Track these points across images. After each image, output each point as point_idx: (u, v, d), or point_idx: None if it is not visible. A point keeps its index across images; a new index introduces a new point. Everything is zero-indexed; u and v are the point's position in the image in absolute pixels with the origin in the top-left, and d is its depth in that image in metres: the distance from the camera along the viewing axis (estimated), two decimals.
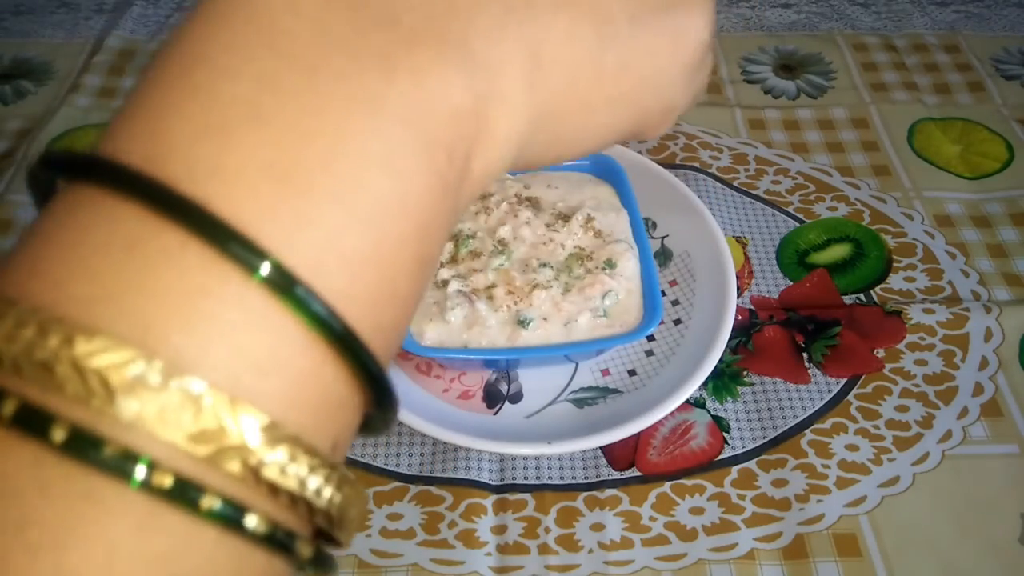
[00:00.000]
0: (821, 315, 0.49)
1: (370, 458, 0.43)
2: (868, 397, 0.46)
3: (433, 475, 0.42)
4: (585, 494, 0.42)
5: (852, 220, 0.55)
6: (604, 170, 0.49)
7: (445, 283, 0.42)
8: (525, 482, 0.42)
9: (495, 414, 0.43)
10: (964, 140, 0.60)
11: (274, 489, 0.14)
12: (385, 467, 0.42)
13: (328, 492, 0.14)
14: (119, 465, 0.12)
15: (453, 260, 0.43)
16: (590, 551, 0.40)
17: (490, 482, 0.42)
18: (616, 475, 0.42)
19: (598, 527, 0.41)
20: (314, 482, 0.14)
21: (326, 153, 0.14)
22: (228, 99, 0.14)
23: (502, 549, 0.40)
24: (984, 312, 0.49)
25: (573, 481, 0.42)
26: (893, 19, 0.71)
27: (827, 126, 0.61)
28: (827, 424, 0.44)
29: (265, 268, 0.13)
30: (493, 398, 0.44)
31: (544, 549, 0.40)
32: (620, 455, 0.43)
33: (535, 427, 0.42)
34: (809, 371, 0.47)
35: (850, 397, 0.46)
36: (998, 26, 0.70)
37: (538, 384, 0.45)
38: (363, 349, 0.15)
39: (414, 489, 0.42)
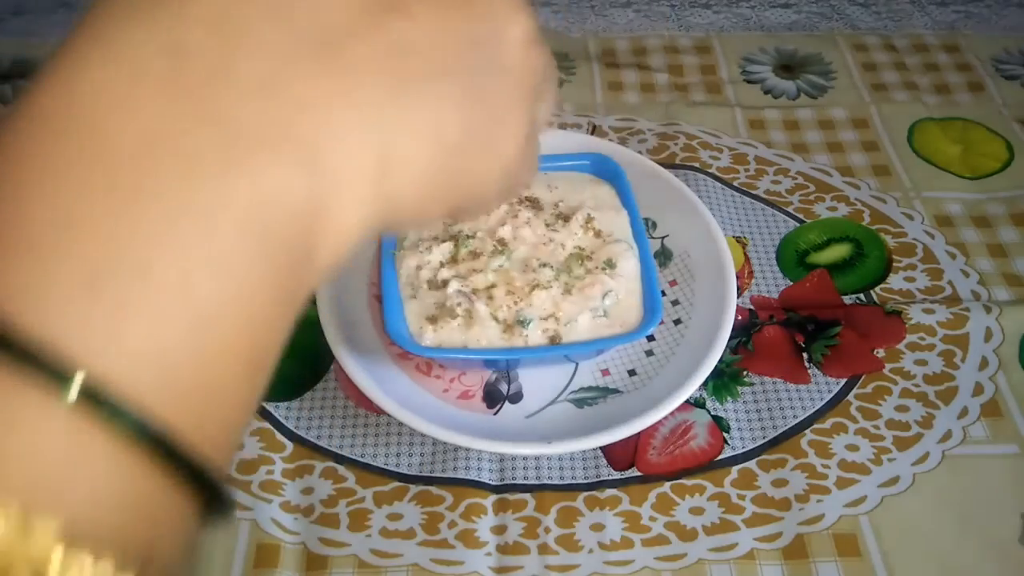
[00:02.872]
0: (821, 315, 0.49)
1: (370, 458, 0.43)
2: (868, 397, 0.46)
3: (433, 475, 0.42)
4: (585, 494, 0.42)
5: (852, 220, 0.55)
6: (604, 170, 0.49)
7: (445, 283, 0.42)
8: (525, 482, 0.42)
9: (495, 414, 0.43)
10: (964, 140, 0.60)
11: None
12: (385, 467, 0.42)
13: None
14: None
15: (453, 260, 0.43)
16: (590, 551, 0.40)
17: (490, 482, 0.42)
18: (616, 475, 0.42)
19: (598, 527, 0.41)
20: None
21: (142, 261, 0.14)
22: (42, 210, 0.14)
23: (502, 549, 0.40)
24: (984, 312, 0.49)
25: (573, 481, 0.42)
26: (893, 19, 0.71)
27: (827, 126, 0.61)
28: (827, 424, 0.44)
29: (68, 381, 0.13)
30: (493, 398, 0.44)
31: (544, 549, 0.40)
32: (620, 455, 0.43)
33: (535, 427, 0.42)
34: (809, 371, 0.47)
35: (850, 397, 0.46)
36: (998, 26, 0.70)
37: (538, 384, 0.45)
38: (179, 447, 0.15)
39: (414, 489, 0.42)
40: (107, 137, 0.15)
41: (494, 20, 0.21)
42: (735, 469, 0.43)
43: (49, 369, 0.13)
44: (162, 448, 0.14)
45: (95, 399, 0.14)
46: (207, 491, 0.16)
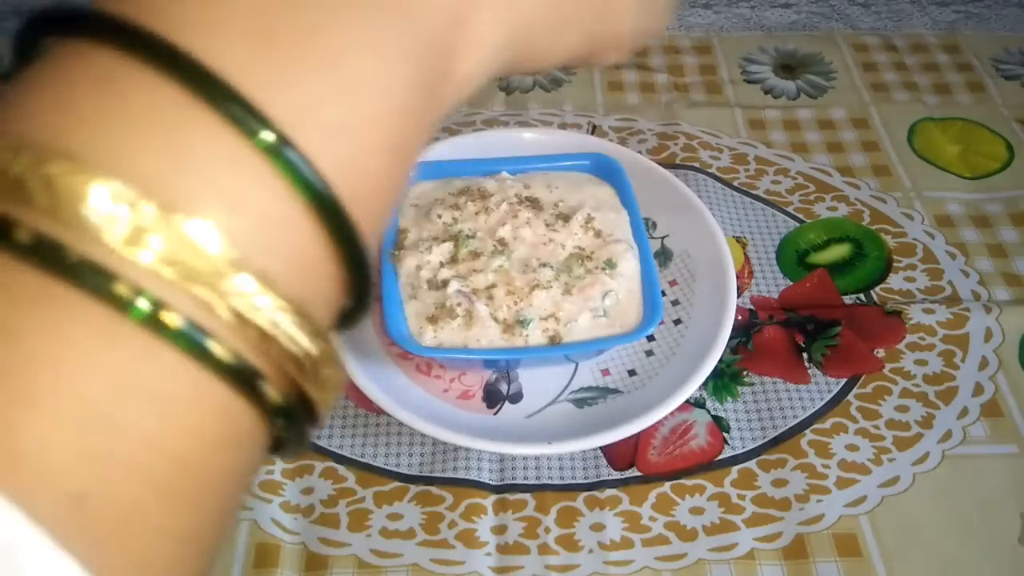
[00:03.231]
0: (821, 315, 0.49)
1: (370, 458, 0.43)
2: (868, 397, 0.46)
3: (433, 475, 0.42)
4: (585, 494, 0.42)
5: (852, 220, 0.55)
6: (604, 170, 0.49)
7: (445, 283, 0.42)
8: (525, 482, 0.42)
9: (495, 414, 0.43)
10: (964, 140, 0.60)
11: (244, 322, 0.14)
12: (385, 467, 0.42)
13: (302, 339, 0.14)
14: (84, 275, 0.12)
15: (453, 260, 0.43)
16: (590, 551, 0.40)
17: (490, 482, 0.42)
18: (616, 475, 0.42)
19: (598, 527, 0.41)
20: (285, 321, 0.14)
21: (307, 24, 0.15)
22: None
23: (502, 549, 0.40)
24: (984, 312, 0.49)
25: (573, 481, 0.42)
26: (893, 19, 0.71)
27: (827, 126, 0.61)
28: (827, 424, 0.44)
29: (244, 116, 0.14)
30: (493, 398, 0.44)
31: (544, 549, 0.40)
32: (620, 455, 0.43)
33: (535, 427, 0.42)
34: (809, 371, 0.47)
35: (850, 397, 0.46)
36: (998, 26, 0.70)
37: (538, 384, 0.45)
38: (341, 210, 0.15)
39: (414, 489, 0.42)
40: None
41: None
42: (735, 469, 0.43)
43: (227, 102, 0.14)
44: (324, 206, 0.15)
45: (272, 150, 0.14)
46: (357, 275, 0.16)
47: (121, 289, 0.13)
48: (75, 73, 0.14)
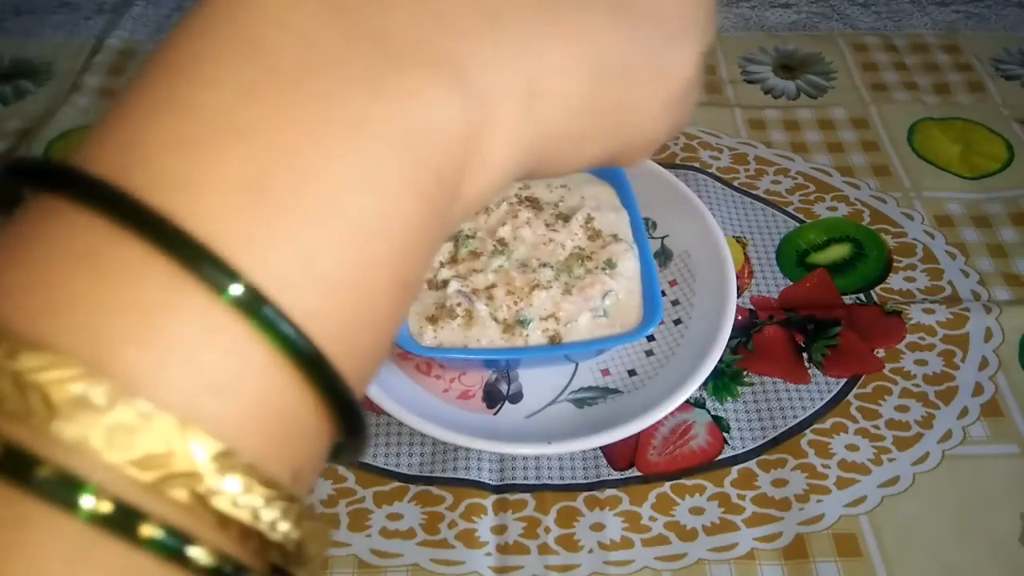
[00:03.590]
0: (821, 315, 0.49)
1: (370, 458, 0.43)
2: (868, 397, 0.46)
3: (433, 475, 0.42)
4: (585, 494, 0.42)
5: (852, 220, 0.55)
6: (604, 170, 0.49)
7: (445, 283, 0.42)
8: (525, 482, 0.42)
9: (495, 414, 0.43)
10: (964, 140, 0.60)
11: (225, 520, 0.13)
12: (385, 467, 0.42)
13: (285, 526, 0.13)
14: (55, 489, 0.12)
15: (453, 260, 0.43)
16: (590, 551, 0.40)
17: (490, 482, 0.42)
18: (616, 475, 0.42)
19: (598, 527, 0.41)
20: (269, 514, 0.13)
21: (304, 170, 0.14)
22: (205, 111, 0.14)
23: (502, 549, 0.40)
24: (984, 312, 0.49)
25: (573, 481, 0.42)
26: (893, 19, 0.71)
27: (827, 126, 0.61)
28: (827, 424, 0.44)
29: (231, 286, 0.13)
30: (493, 398, 0.44)
31: (544, 549, 0.40)
32: (620, 455, 0.43)
33: (535, 427, 0.42)
34: (809, 371, 0.47)
35: (850, 397, 0.46)
36: (998, 26, 0.70)
37: (538, 384, 0.45)
38: (332, 372, 0.14)
39: (414, 489, 0.42)
40: (268, 46, 0.15)
41: None
42: (735, 469, 0.43)
43: (210, 269, 0.13)
44: (314, 369, 0.14)
45: (251, 309, 0.13)
46: (348, 419, 0.15)
47: (99, 505, 0.12)
48: (55, 246, 0.13)
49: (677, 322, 0.47)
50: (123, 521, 0.12)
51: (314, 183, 0.14)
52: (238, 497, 0.13)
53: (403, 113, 0.15)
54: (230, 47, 0.15)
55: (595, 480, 0.42)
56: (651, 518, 0.41)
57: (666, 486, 0.42)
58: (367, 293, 0.15)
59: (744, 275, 0.51)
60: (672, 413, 0.42)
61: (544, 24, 0.17)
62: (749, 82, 0.64)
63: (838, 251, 0.53)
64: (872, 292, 0.51)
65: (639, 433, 0.42)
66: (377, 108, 0.15)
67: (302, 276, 0.14)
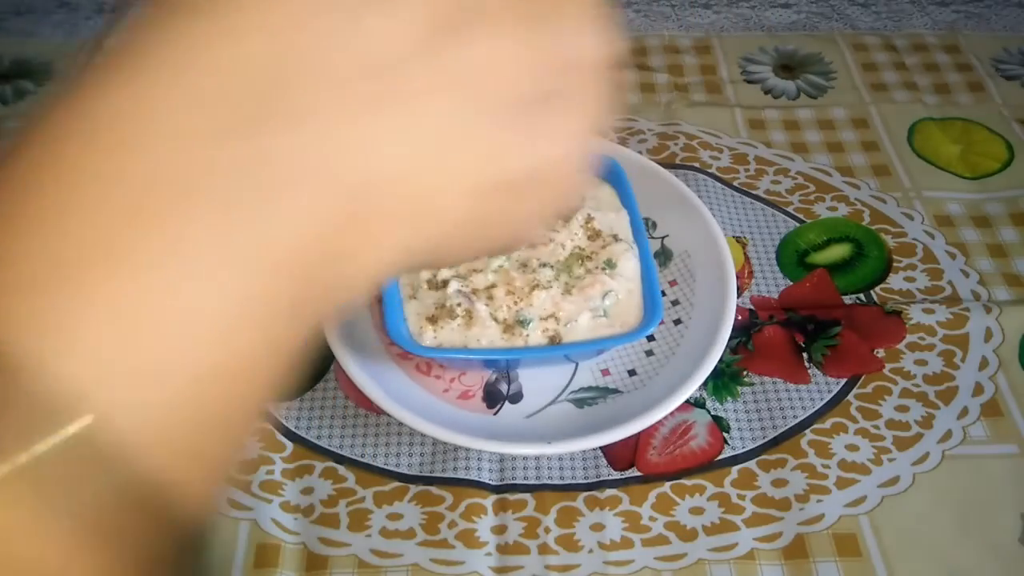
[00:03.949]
0: (821, 315, 0.49)
1: (370, 458, 0.43)
2: (868, 397, 0.46)
3: (433, 475, 0.42)
4: (585, 494, 0.42)
5: (852, 220, 0.55)
6: (604, 170, 0.48)
7: (445, 283, 0.42)
8: (525, 482, 0.42)
9: (495, 414, 0.43)
10: (964, 140, 0.60)
11: None
12: (385, 467, 0.42)
13: None
14: None
15: None
16: (590, 551, 0.40)
17: (490, 482, 0.42)
18: (616, 475, 0.42)
19: (598, 527, 0.41)
20: None
21: (152, 247, 0.14)
22: (67, 240, 0.14)
23: (502, 549, 0.40)
24: (984, 312, 0.49)
25: (573, 481, 0.42)
26: (893, 19, 0.71)
27: (827, 126, 0.61)
28: (827, 424, 0.44)
29: (66, 417, 0.13)
30: (493, 398, 0.44)
31: (544, 549, 0.40)
32: (620, 455, 0.43)
33: (535, 427, 0.42)
34: (809, 371, 0.47)
35: (850, 397, 0.46)
36: (998, 26, 0.70)
37: (538, 384, 0.45)
38: (168, 505, 0.14)
39: (414, 489, 0.42)
40: (136, 164, 0.14)
41: (563, 44, 0.19)
42: (735, 469, 0.43)
43: (52, 404, 0.13)
44: (149, 498, 0.14)
45: (90, 440, 0.13)
46: (188, 543, 0.15)
47: None
48: None
49: (677, 322, 0.47)
50: None
51: (154, 272, 0.14)
52: None
53: (277, 235, 0.15)
54: (77, 153, 0.15)
55: (595, 480, 0.42)
56: (651, 518, 0.41)
57: (666, 486, 0.42)
58: (205, 388, 0.15)
59: (744, 275, 0.51)
60: (672, 413, 0.42)
61: (437, 143, 0.17)
62: (749, 82, 0.64)
63: (838, 251, 0.53)
64: (872, 292, 0.51)
65: (639, 433, 0.42)
66: (251, 230, 0.15)
67: (117, 370, 0.14)
